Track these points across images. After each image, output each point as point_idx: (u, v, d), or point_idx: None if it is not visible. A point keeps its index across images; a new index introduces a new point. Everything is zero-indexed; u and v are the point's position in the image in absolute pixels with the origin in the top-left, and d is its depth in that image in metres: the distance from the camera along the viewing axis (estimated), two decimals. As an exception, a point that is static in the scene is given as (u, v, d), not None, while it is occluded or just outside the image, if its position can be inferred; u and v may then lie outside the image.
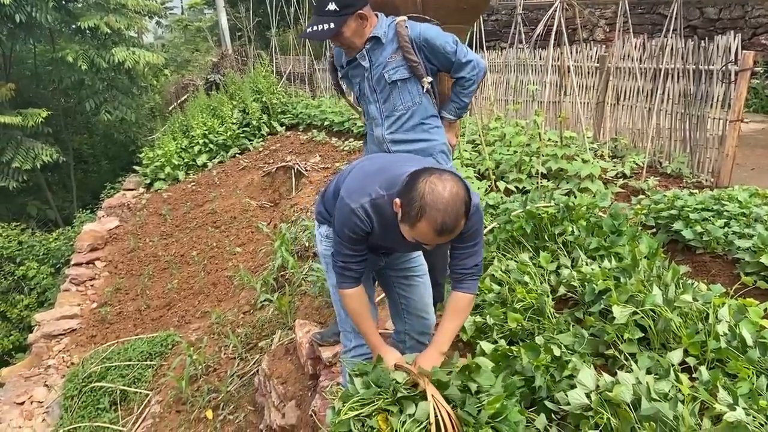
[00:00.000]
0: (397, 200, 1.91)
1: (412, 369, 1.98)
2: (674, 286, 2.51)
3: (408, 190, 1.85)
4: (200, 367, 4.76)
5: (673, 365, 2.10)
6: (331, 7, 2.57)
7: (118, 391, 5.12)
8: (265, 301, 5.15)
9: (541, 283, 2.87)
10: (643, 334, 2.36)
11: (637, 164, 5.49)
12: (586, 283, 2.74)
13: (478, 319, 2.69)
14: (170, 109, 14.66)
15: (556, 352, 2.28)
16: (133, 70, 13.77)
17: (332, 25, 2.59)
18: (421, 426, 1.81)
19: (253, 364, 4.49)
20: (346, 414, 1.90)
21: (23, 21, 11.31)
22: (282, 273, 5.39)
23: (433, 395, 1.81)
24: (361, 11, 2.61)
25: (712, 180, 5.19)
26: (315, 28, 2.60)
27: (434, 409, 1.77)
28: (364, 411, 1.91)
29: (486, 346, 2.37)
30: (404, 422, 1.83)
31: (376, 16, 2.73)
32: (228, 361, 4.78)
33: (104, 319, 6.64)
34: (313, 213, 2.65)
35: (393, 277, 2.51)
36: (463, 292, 2.18)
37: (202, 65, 17.85)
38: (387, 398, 1.92)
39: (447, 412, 1.81)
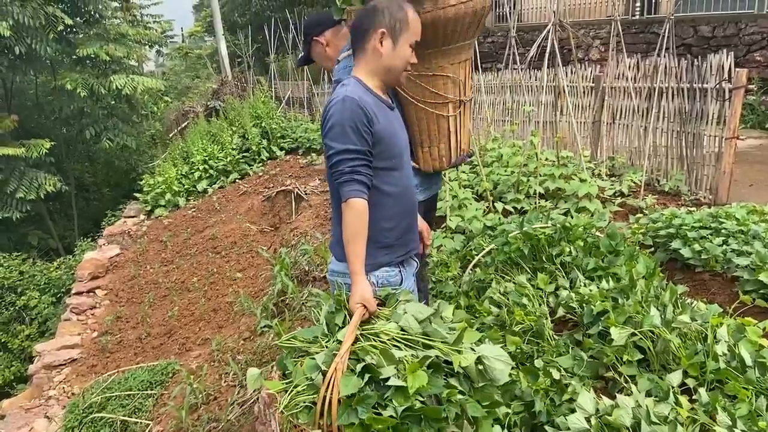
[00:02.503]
0: (382, 30, 2.13)
1: (351, 326, 1.82)
2: (672, 306, 2.51)
3: (371, 23, 2.13)
4: (200, 395, 4.72)
5: (672, 387, 2.08)
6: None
7: (119, 422, 5.08)
8: (265, 327, 5.13)
9: (539, 305, 2.86)
10: (643, 356, 2.35)
11: (634, 182, 5.50)
12: (584, 305, 2.73)
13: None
14: (171, 135, 14.78)
15: (556, 375, 2.27)
16: (133, 97, 13.93)
17: (303, 52, 2.84)
18: (314, 394, 1.69)
19: (254, 391, 4.45)
20: (290, 341, 1.90)
21: (23, 53, 11.46)
22: (282, 298, 5.37)
23: (336, 369, 1.66)
24: (316, 38, 2.80)
25: (710, 197, 5.20)
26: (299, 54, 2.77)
27: (328, 385, 1.64)
28: (301, 346, 1.87)
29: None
30: (308, 380, 1.72)
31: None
32: (228, 389, 4.74)
33: (105, 348, 6.61)
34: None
35: None
36: None
37: (202, 92, 18.04)
38: (322, 347, 1.83)
39: (338, 393, 1.64)
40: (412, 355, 1.75)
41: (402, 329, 1.86)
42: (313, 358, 1.76)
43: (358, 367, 1.69)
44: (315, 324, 3.89)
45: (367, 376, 1.68)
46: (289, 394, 1.69)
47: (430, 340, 1.81)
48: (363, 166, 2.06)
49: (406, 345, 1.80)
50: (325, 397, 1.63)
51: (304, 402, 1.68)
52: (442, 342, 1.81)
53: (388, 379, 1.66)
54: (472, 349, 1.79)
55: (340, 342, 1.78)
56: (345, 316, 1.94)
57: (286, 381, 1.77)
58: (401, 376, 1.67)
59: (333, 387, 1.63)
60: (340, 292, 2.07)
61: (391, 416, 1.61)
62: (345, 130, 2.04)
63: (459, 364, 1.72)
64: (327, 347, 1.81)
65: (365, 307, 1.94)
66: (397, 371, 1.69)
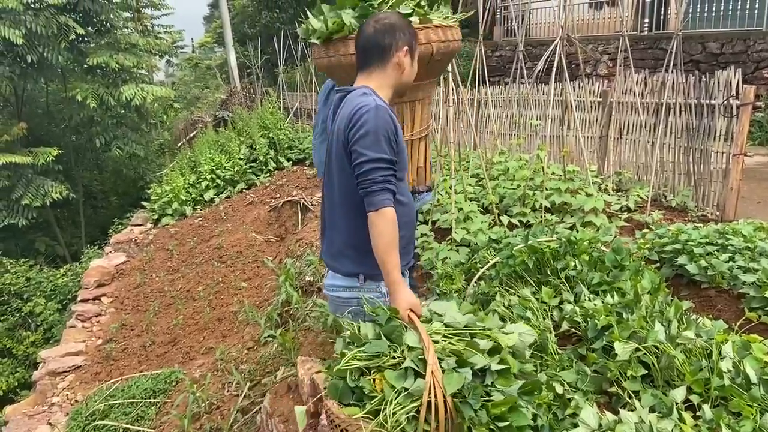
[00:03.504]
0: (406, 48, 2.21)
1: (423, 331, 1.80)
2: (677, 322, 2.49)
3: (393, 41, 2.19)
4: (203, 404, 4.72)
5: (676, 403, 2.07)
6: None
7: (122, 430, 5.08)
8: (269, 337, 5.13)
9: (543, 319, 2.85)
10: (647, 371, 2.34)
11: (641, 198, 5.49)
12: (588, 319, 2.72)
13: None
14: (179, 145, 14.89)
15: (559, 389, 2.25)
16: (143, 106, 14.02)
17: None
18: (414, 401, 1.66)
19: (257, 401, 4.44)
20: (349, 363, 1.78)
21: (35, 61, 11.59)
22: (286, 308, 5.38)
23: (433, 372, 1.64)
24: None
25: (717, 213, 5.18)
26: None
27: (432, 388, 1.62)
28: (366, 364, 1.78)
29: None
30: (399, 393, 1.67)
31: None
32: (231, 398, 4.74)
33: (109, 355, 6.62)
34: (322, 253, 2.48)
35: None
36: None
37: (211, 102, 18.17)
38: (393, 358, 1.77)
39: (443, 395, 1.63)
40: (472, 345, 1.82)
41: (447, 325, 1.92)
42: (395, 369, 1.74)
43: (447, 364, 1.71)
44: (320, 334, 3.86)
45: (461, 370, 1.71)
46: (383, 412, 1.64)
47: (473, 330, 1.88)
48: (393, 176, 2.07)
49: (457, 339, 1.86)
50: (429, 402, 1.61)
51: (405, 414, 1.64)
52: (482, 330, 1.88)
53: (482, 369, 1.72)
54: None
55: (411, 349, 1.77)
56: (401, 325, 1.90)
57: (359, 403, 1.73)
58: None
59: (436, 389, 1.61)
60: (365, 302, 2.08)
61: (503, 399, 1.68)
62: (378, 138, 2.04)
63: (507, 344, 1.81)
64: (397, 357, 1.78)
65: (413, 311, 1.95)
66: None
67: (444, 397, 1.62)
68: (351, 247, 2.23)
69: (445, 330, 1.90)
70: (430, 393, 1.61)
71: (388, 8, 2.75)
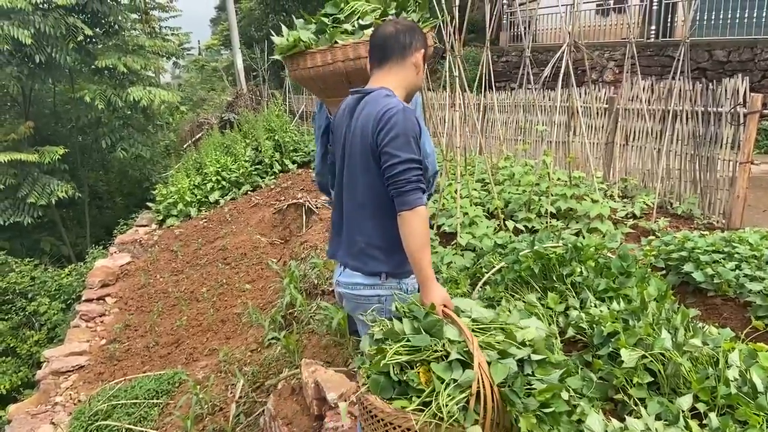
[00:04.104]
0: (423, 50, 2.27)
1: (461, 323, 1.87)
2: (684, 330, 2.48)
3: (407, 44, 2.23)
4: (206, 406, 4.72)
5: (682, 411, 2.06)
6: None
7: (124, 430, 5.08)
8: (272, 339, 5.13)
9: (549, 325, 2.84)
10: (653, 379, 2.33)
11: (647, 205, 5.48)
12: (594, 326, 2.71)
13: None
14: (185, 146, 14.92)
15: (564, 396, 2.25)
16: (149, 108, 14.06)
17: None
18: (463, 392, 1.71)
19: (260, 403, 4.44)
20: (392, 357, 1.80)
21: (43, 61, 11.65)
22: (290, 311, 5.38)
23: (480, 363, 1.70)
24: None
25: (723, 221, 5.16)
26: None
27: (479, 378, 1.68)
28: (410, 358, 1.81)
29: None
30: (448, 384, 1.72)
31: None
32: (234, 400, 4.74)
33: (112, 355, 6.63)
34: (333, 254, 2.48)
35: None
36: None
37: (217, 104, 18.23)
38: (436, 351, 1.82)
39: (490, 385, 1.70)
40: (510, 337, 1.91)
41: (474, 320, 2.00)
42: (440, 362, 1.79)
43: (489, 356, 1.79)
44: (324, 337, 3.85)
45: (504, 361, 1.79)
46: (434, 403, 1.69)
47: (498, 325, 1.97)
48: (422, 176, 2.12)
49: (487, 333, 1.95)
50: (478, 391, 1.67)
51: (457, 405, 1.69)
52: (506, 325, 1.97)
53: (521, 360, 1.80)
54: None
55: (452, 342, 1.82)
56: (440, 320, 1.94)
57: (403, 396, 1.77)
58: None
59: (484, 379, 1.67)
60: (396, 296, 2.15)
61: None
62: (408, 140, 2.08)
63: (526, 337, 1.90)
64: (439, 351, 1.82)
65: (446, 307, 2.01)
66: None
67: (491, 386, 1.69)
68: (376, 247, 2.24)
69: (473, 324, 1.97)
70: (478, 383, 1.67)
71: (355, 21, 2.74)
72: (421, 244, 2.06)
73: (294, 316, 5.26)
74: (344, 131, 2.31)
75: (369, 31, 2.64)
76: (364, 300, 2.31)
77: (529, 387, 1.76)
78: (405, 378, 1.78)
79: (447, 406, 1.66)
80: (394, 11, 2.70)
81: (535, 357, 1.81)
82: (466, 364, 1.75)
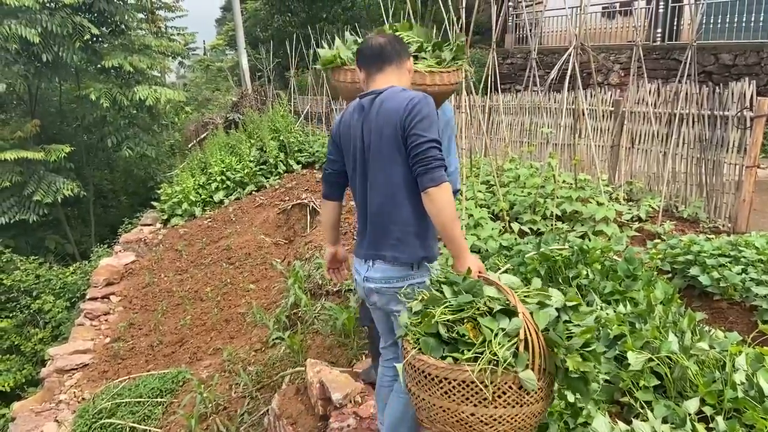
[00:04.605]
0: (410, 61, 2.45)
1: (499, 282, 1.97)
2: (690, 333, 2.48)
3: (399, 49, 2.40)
4: (210, 405, 4.72)
5: (689, 414, 2.06)
6: None
7: (128, 429, 5.09)
8: (277, 339, 5.14)
9: (554, 327, 2.84)
10: (659, 382, 2.33)
11: (652, 208, 5.47)
12: (600, 328, 2.71)
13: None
14: (190, 146, 14.94)
15: (571, 398, 2.25)
16: (155, 107, 14.10)
17: None
18: (511, 340, 1.79)
19: (264, 403, 4.45)
20: (438, 317, 1.89)
21: (50, 60, 11.68)
22: (294, 311, 5.38)
23: (524, 312, 1.80)
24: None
25: (729, 225, 5.15)
26: None
27: (525, 326, 1.77)
28: (455, 317, 1.91)
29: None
30: (496, 334, 1.80)
31: None
32: (238, 399, 4.75)
33: (117, 354, 6.64)
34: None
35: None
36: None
37: (222, 104, 18.26)
38: (479, 308, 1.91)
39: (535, 331, 1.79)
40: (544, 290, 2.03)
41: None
42: (484, 316, 1.87)
43: (530, 306, 1.89)
44: (328, 337, 3.86)
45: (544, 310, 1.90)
46: (488, 350, 1.77)
47: (525, 290, 2.05)
48: (443, 158, 2.22)
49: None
50: (526, 338, 1.75)
51: (509, 351, 1.78)
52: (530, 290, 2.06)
53: (557, 309, 1.90)
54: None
55: (492, 299, 1.92)
56: (479, 280, 2.02)
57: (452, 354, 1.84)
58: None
59: (529, 326, 1.77)
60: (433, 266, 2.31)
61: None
62: (432, 123, 2.22)
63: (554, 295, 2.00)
64: (482, 308, 1.91)
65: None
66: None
67: (536, 332, 1.79)
68: (413, 234, 2.31)
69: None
70: (525, 331, 1.77)
71: None
72: (451, 216, 2.17)
73: (298, 316, 5.27)
74: (360, 132, 2.36)
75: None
76: (398, 291, 2.35)
77: (568, 333, 1.86)
78: (454, 335, 1.86)
79: (500, 352, 1.75)
80: (430, 47, 2.87)
81: (569, 303, 1.94)
82: (510, 314, 1.84)
